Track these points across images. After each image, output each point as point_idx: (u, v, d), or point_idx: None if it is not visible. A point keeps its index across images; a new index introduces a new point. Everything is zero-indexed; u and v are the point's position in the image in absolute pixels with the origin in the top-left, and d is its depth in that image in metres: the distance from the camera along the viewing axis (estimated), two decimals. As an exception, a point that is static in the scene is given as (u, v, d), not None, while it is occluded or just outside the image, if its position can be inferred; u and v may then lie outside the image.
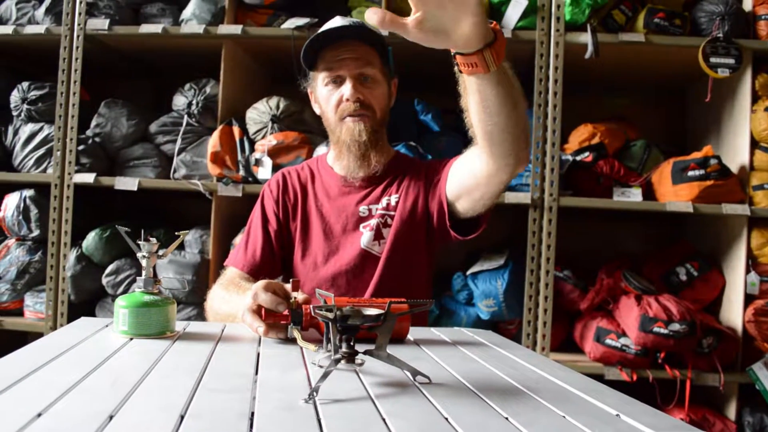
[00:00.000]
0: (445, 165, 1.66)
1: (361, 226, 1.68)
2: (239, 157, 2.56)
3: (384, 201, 1.69)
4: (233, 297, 1.47)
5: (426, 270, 1.72)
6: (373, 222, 1.68)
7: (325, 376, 0.81)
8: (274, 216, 1.73)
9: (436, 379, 0.91)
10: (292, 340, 1.15)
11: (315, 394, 0.76)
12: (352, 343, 0.89)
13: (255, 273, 1.66)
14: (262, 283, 1.19)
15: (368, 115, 1.64)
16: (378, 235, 1.66)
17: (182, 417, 0.68)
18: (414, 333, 1.32)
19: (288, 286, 1.20)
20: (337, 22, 1.66)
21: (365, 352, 0.91)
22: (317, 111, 1.74)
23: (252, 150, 2.56)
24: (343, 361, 0.88)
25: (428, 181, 1.68)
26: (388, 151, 1.77)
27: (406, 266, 1.66)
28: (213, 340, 1.14)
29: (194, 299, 2.57)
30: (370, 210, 1.69)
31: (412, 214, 1.67)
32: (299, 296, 1.17)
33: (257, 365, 0.96)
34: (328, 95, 1.65)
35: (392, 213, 1.68)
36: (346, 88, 1.61)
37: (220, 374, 0.90)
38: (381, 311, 0.89)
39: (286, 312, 1.14)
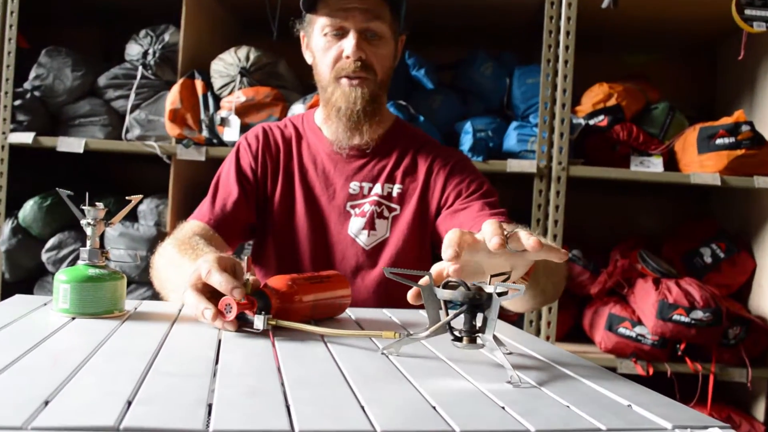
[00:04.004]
0: (473, 194, 1.63)
1: (349, 205, 1.67)
2: (202, 116, 2.54)
3: (384, 187, 1.67)
4: (185, 262, 1.34)
5: (423, 258, 1.72)
6: (366, 207, 1.66)
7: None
8: (251, 172, 1.69)
9: (422, 363, 0.92)
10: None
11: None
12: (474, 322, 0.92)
13: (222, 228, 1.61)
14: (213, 257, 1.10)
15: (368, 77, 1.61)
16: (370, 225, 1.66)
17: (129, 403, 0.67)
18: (402, 315, 1.33)
19: (243, 265, 1.12)
20: None
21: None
22: (308, 60, 1.71)
23: (217, 107, 2.54)
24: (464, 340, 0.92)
25: (444, 195, 1.66)
26: (386, 117, 1.75)
27: (402, 264, 1.65)
28: (168, 321, 1.13)
29: (148, 278, 2.55)
30: (362, 188, 1.68)
31: (421, 224, 1.67)
32: (250, 277, 1.09)
33: (218, 348, 0.96)
34: (325, 47, 1.62)
35: (393, 206, 1.67)
36: (348, 44, 1.58)
37: (176, 357, 0.89)
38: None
39: (243, 300, 1.05)
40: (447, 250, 0.89)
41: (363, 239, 1.65)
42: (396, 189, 1.68)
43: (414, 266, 1.58)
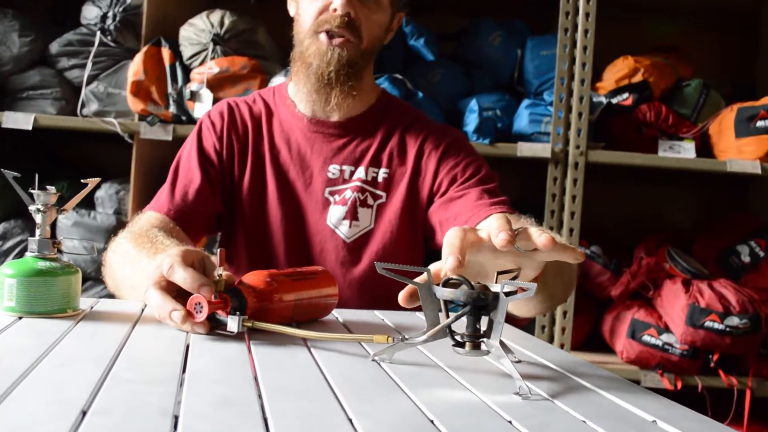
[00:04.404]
0: (469, 180, 1.63)
1: (328, 191, 1.67)
2: (169, 89, 2.53)
3: (367, 171, 1.67)
4: (143, 257, 1.31)
5: (413, 252, 1.73)
6: (347, 193, 1.66)
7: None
8: (215, 154, 1.68)
9: (418, 371, 0.92)
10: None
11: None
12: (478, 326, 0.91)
13: (183, 220, 1.60)
14: (177, 251, 1.10)
15: (351, 40, 1.60)
16: (351, 214, 1.65)
17: (84, 413, 0.67)
18: (396, 317, 1.33)
19: (215, 258, 1.10)
20: None
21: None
22: (291, 12, 1.71)
23: (186, 80, 2.54)
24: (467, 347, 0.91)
25: (437, 180, 1.66)
26: (370, 90, 1.74)
27: (389, 259, 1.65)
28: (129, 321, 1.13)
29: (107, 275, 2.56)
30: (342, 172, 1.67)
31: (410, 214, 1.67)
32: (223, 273, 1.07)
33: (186, 353, 0.96)
34: None
35: (379, 193, 1.66)
36: None
37: (138, 362, 0.89)
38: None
39: (215, 299, 1.03)
40: (449, 258, 0.87)
41: (344, 231, 1.65)
42: (381, 173, 1.67)
43: (403, 262, 1.56)
